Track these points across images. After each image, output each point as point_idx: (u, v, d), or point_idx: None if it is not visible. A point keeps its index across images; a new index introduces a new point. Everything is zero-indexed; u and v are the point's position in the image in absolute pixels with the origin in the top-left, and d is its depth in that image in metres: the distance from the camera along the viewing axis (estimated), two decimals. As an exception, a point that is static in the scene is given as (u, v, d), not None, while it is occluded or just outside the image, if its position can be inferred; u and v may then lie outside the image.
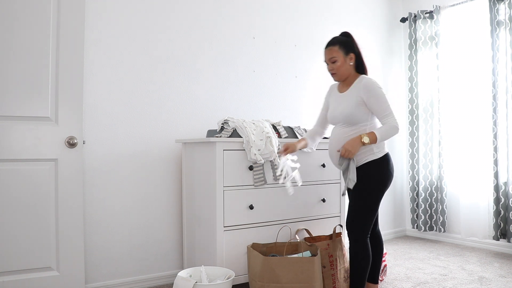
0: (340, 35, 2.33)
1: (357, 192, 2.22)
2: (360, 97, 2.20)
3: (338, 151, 2.21)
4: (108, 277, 2.61)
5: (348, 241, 2.28)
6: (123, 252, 2.67)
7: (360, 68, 2.30)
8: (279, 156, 2.45)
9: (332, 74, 2.31)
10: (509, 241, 3.38)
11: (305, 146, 2.51)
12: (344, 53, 2.24)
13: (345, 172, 2.19)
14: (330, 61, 2.27)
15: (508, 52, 3.36)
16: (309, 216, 2.74)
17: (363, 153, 2.21)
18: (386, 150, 2.26)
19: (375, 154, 2.21)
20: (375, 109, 2.20)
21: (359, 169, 2.21)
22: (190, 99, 2.94)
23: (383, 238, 3.99)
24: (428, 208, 3.95)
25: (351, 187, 2.16)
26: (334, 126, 2.37)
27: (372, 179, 2.21)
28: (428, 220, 3.94)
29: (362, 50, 2.29)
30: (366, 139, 2.12)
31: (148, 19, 2.77)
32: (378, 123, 2.26)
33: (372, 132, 2.16)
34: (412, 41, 4.06)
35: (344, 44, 2.25)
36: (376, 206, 2.23)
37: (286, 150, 2.39)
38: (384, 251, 2.81)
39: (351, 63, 2.26)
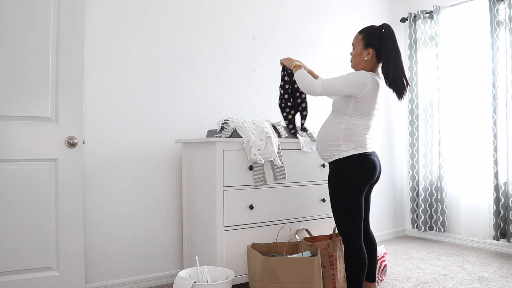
0: (378, 26, 2.19)
1: (330, 193, 2.22)
2: None
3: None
4: (108, 277, 2.61)
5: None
6: (123, 252, 2.67)
7: (384, 67, 2.14)
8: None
9: (351, 60, 2.28)
10: (509, 241, 3.38)
11: (316, 77, 2.49)
12: (364, 45, 2.18)
13: None
14: (352, 46, 2.26)
15: (508, 52, 3.36)
16: (309, 216, 2.74)
17: (330, 150, 2.19)
18: (358, 152, 2.14)
19: (341, 152, 2.15)
20: None
21: (330, 166, 2.25)
22: (190, 99, 2.94)
23: (383, 238, 4.01)
24: (428, 208, 3.95)
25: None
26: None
27: (337, 178, 2.17)
28: (428, 220, 3.94)
29: (390, 47, 2.12)
30: (297, 62, 2.34)
31: (148, 19, 2.78)
32: (357, 121, 2.16)
33: (304, 68, 2.30)
34: (412, 41, 4.06)
35: (368, 37, 2.17)
36: (351, 206, 2.13)
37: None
38: (384, 251, 2.82)
39: (366, 58, 2.17)
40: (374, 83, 2.13)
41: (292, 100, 2.53)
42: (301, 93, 2.54)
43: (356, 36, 2.24)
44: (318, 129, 2.36)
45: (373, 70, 2.21)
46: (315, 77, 2.52)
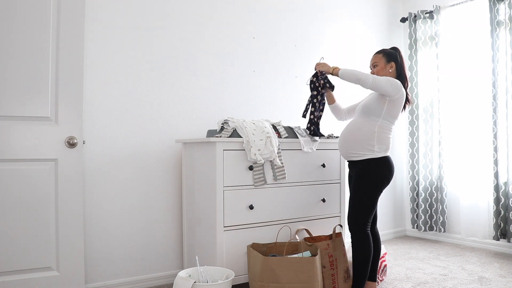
0: (390, 48, 2.54)
1: (355, 188, 2.40)
2: None
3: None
4: (108, 277, 2.61)
5: (350, 234, 2.41)
6: (123, 252, 2.67)
7: (400, 79, 2.44)
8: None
9: None
10: (509, 241, 3.38)
11: (334, 100, 2.74)
12: (386, 60, 2.45)
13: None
14: (372, 65, 2.50)
15: (508, 52, 3.36)
16: (309, 216, 2.74)
17: (362, 149, 2.36)
18: (388, 154, 2.39)
19: (375, 153, 2.34)
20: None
21: (359, 164, 2.39)
22: (190, 99, 2.94)
23: (383, 238, 4.01)
24: (428, 208, 3.95)
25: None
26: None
27: (368, 176, 2.35)
28: (428, 220, 3.94)
29: (405, 65, 2.48)
30: (334, 66, 2.51)
31: (148, 19, 2.78)
32: (387, 124, 2.38)
33: (339, 67, 2.47)
34: (412, 41, 4.06)
35: (388, 54, 2.47)
36: (372, 202, 2.35)
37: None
38: (384, 251, 2.81)
39: (390, 71, 2.44)
40: (403, 89, 2.38)
41: (317, 105, 2.66)
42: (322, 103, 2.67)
43: (375, 56, 2.50)
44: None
45: None
46: (333, 100, 2.75)
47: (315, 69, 2.63)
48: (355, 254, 2.36)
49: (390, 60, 2.44)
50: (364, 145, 2.35)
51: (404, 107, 2.47)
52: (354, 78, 2.34)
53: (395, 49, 2.50)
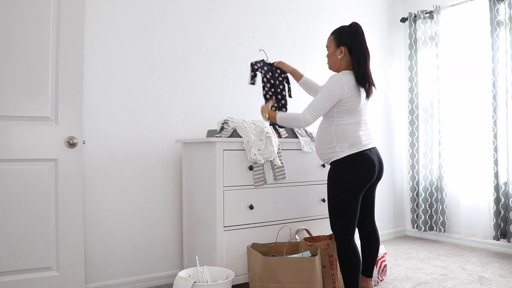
0: (348, 25, 2.24)
1: (328, 193, 2.26)
2: None
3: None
4: (108, 277, 2.61)
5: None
6: (123, 252, 2.67)
7: (357, 64, 2.16)
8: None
9: (327, 62, 2.34)
10: (509, 241, 3.38)
11: (300, 75, 2.66)
12: (336, 44, 2.23)
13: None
14: (326, 48, 2.32)
15: (508, 52, 3.36)
16: (309, 216, 2.74)
17: (327, 153, 2.24)
18: (354, 151, 2.15)
19: (337, 154, 2.19)
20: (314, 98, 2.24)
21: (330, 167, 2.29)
22: (190, 99, 2.94)
23: (383, 238, 4.01)
24: (428, 208, 3.95)
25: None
26: None
27: (336, 178, 2.21)
28: (428, 220, 3.94)
29: (365, 42, 2.18)
30: (266, 115, 2.40)
31: (148, 19, 2.78)
32: (346, 120, 2.19)
33: (277, 112, 2.34)
34: (412, 41, 4.06)
35: (339, 35, 2.22)
36: (349, 205, 2.16)
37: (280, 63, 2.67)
38: (384, 251, 2.81)
39: (340, 57, 2.22)
40: (349, 81, 2.15)
41: (273, 93, 2.70)
42: (282, 90, 2.73)
43: (328, 38, 2.29)
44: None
45: (349, 67, 2.24)
46: (299, 76, 2.67)
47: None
48: (340, 262, 2.23)
49: (340, 45, 2.18)
50: (327, 149, 2.22)
51: (368, 95, 2.19)
52: (294, 125, 2.27)
53: (351, 27, 2.20)
